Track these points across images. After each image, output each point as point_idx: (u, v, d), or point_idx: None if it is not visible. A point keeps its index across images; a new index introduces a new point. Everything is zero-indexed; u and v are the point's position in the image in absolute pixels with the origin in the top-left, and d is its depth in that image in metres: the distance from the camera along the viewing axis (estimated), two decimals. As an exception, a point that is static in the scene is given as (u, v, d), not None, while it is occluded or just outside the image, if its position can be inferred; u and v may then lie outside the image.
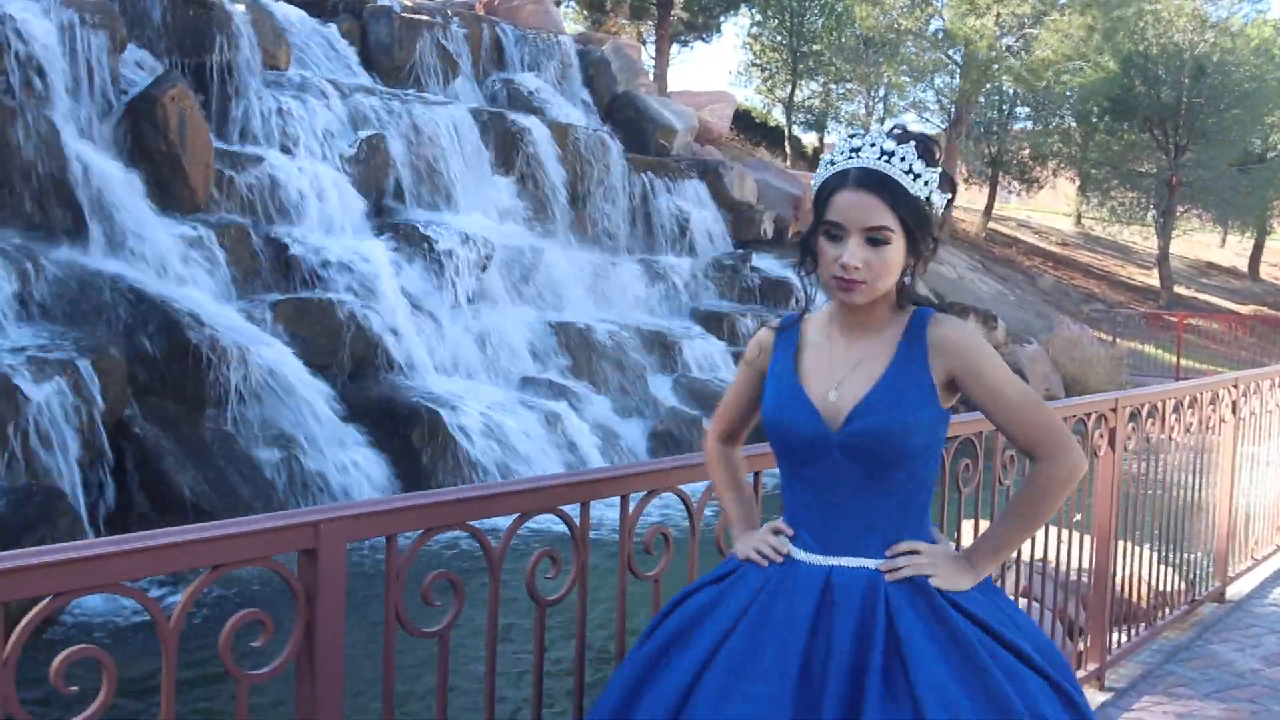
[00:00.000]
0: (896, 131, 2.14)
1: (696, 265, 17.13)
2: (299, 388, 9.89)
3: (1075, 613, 4.69)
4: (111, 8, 11.35)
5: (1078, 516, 4.32)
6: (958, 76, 30.28)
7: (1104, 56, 28.40)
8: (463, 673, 5.09)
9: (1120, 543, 4.60)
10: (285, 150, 12.65)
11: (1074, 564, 4.47)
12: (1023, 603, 3.89)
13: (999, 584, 2.42)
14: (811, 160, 32.95)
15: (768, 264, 17.53)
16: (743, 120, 31.22)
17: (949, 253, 25.75)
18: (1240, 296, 36.00)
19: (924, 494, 2.18)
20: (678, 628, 2.17)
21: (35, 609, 1.65)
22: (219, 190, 11.58)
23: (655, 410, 12.67)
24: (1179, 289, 33.55)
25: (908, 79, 31.57)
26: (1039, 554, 4.20)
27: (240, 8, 13.03)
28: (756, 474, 2.77)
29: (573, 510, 2.47)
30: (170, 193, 11.06)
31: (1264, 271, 40.74)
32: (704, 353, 14.49)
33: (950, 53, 30.53)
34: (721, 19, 33.89)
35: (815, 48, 33.13)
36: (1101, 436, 4.27)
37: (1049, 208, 43.07)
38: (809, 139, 37.01)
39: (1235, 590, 5.72)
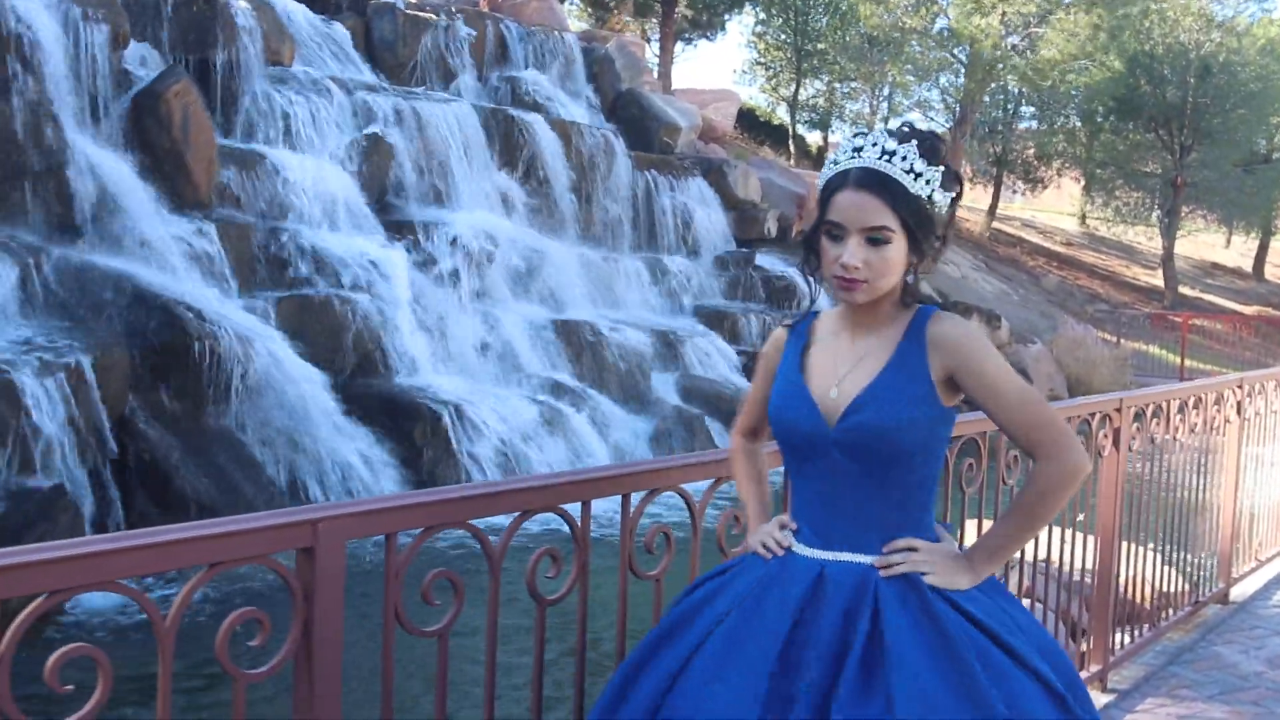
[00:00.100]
0: (903, 130, 2.14)
1: (700, 264, 17.13)
2: (301, 385, 9.89)
3: (1078, 613, 4.68)
4: (115, 2, 11.34)
5: (1081, 516, 4.30)
6: (962, 75, 30.27)
7: (1109, 56, 28.38)
8: (462, 672, 5.08)
9: (1124, 543, 4.58)
10: (289, 147, 12.65)
11: (1077, 564, 4.46)
12: (1025, 603, 3.87)
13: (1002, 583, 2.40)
14: (815, 159, 32.92)
15: (771, 263, 17.52)
16: (747, 119, 31.19)
17: (953, 252, 25.71)
18: (1245, 297, 35.95)
19: (924, 492, 2.17)
20: (680, 615, 2.21)
21: (29, 607, 1.64)
22: (222, 186, 11.58)
23: (657, 409, 12.66)
24: (1183, 289, 33.51)
25: (912, 78, 31.56)
26: (1042, 554, 4.18)
27: (245, 4, 13.03)
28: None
29: (574, 509, 2.46)
30: (173, 189, 11.05)
31: (1269, 272, 40.69)
32: (707, 351, 14.48)
33: (955, 51, 30.52)
34: (726, 17, 33.88)
35: (820, 46, 33.12)
36: (1106, 436, 4.26)
37: (1053, 207, 43.01)
38: (813, 138, 37.00)
39: (1239, 592, 5.70)
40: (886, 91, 34.94)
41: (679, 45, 33.20)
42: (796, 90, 34.04)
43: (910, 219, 2.08)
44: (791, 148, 32.72)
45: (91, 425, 8.18)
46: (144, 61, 12.01)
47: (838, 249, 2.09)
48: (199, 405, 9.27)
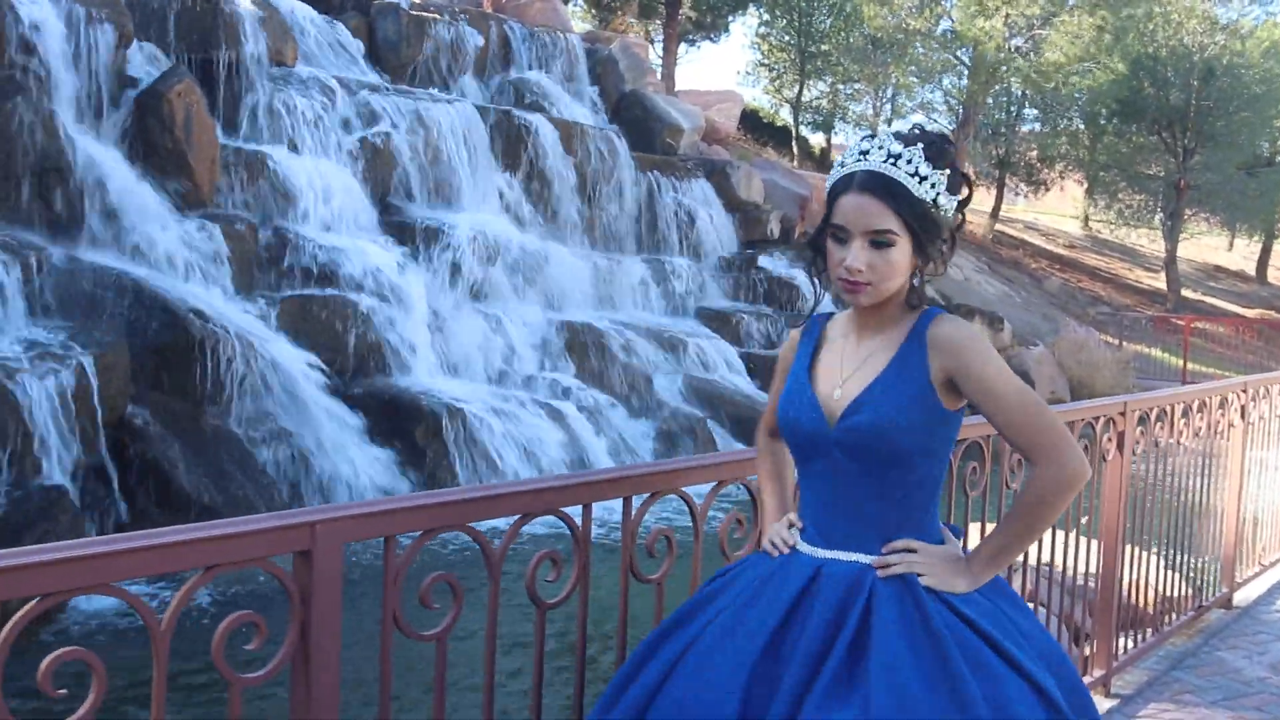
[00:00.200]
0: (910, 132, 2.14)
1: (703, 265, 17.11)
2: (302, 385, 9.88)
3: (1081, 618, 4.65)
4: (119, 2, 11.34)
5: (1085, 520, 4.28)
6: (966, 78, 30.26)
7: (1113, 58, 28.36)
8: (461, 676, 5.07)
9: (1127, 547, 4.56)
10: (291, 147, 12.64)
11: (1080, 568, 4.43)
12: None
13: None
14: (819, 161, 32.92)
15: (774, 264, 17.49)
16: (750, 120, 31.18)
17: (956, 254, 25.67)
18: (1248, 300, 35.92)
19: (926, 493, 2.16)
20: (684, 611, 2.24)
21: (21, 610, 1.62)
22: (224, 186, 11.57)
23: (660, 410, 12.63)
24: (1186, 292, 33.49)
25: (916, 80, 31.56)
26: (1045, 558, 4.16)
27: (248, 4, 13.02)
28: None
29: (574, 512, 2.44)
30: (175, 189, 11.04)
31: (1272, 275, 40.66)
32: (710, 353, 14.45)
33: (959, 54, 30.51)
34: (729, 18, 33.86)
35: (823, 48, 33.11)
36: (1110, 440, 4.24)
37: (1056, 210, 43.01)
38: (816, 139, 36.98)
39: (1242, 596, 5.68)
40: (890, 93, 34.93)
41: (682, 46, 33.18)
42: (800, 92, 34.02)
43: (914, 222, 2.08)
44: (795, 149, 32.70)
45: (92, 424, 8.17)
46: (148, 60, 12.00)
47: (842, 251, 2.10)
48: (200, 405, 9.26)
